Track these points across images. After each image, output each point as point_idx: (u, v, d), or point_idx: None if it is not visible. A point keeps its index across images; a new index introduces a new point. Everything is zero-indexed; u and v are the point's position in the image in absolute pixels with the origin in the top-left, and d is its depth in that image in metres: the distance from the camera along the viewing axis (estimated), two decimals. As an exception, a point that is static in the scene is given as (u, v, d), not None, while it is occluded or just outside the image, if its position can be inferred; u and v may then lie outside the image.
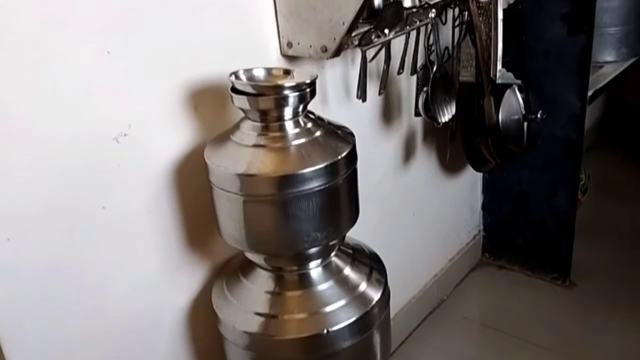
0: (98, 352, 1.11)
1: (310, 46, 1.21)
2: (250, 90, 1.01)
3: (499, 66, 1.48)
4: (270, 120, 1.03)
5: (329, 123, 1.11)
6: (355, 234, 1.24)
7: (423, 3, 1.37)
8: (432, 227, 2.03)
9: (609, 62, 2.25)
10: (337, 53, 1.19)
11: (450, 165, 1.98)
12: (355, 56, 1.43)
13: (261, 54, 1.24)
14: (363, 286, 1.17)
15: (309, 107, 1.08)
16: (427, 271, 2.06)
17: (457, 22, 1.58)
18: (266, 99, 1.01)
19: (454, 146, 1.78)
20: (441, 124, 1.58)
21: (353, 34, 1.21)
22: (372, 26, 1.27)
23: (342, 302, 1.13)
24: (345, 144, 1.08)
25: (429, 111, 1.55)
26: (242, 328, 1.11)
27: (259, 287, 1.16)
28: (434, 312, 2.09)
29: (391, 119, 1.67)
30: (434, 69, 1.54)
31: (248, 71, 1.07)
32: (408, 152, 1.78)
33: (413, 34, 1.44)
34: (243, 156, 1.02)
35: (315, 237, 1.05)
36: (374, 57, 1.39)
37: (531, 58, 1.81)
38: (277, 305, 1.13)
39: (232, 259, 1.27)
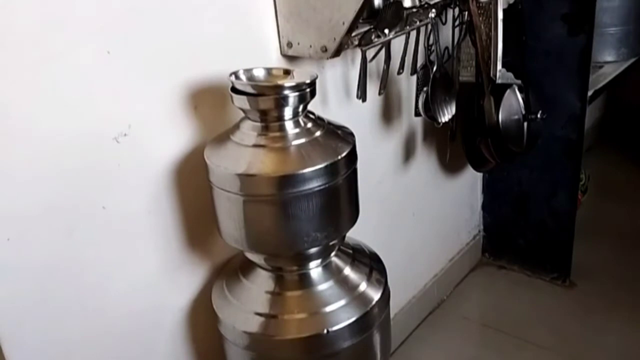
0: (98, 352, 1.11)
1: (310, 46, 1.21)
2: (250, 90, 1.01)
3: (499, 66, 1.48)
4: (270, 120, 1.03)
5: (329, 123, 1.11)
6: (355, 234, 1.24)
7: (423, 3, 1.37)
8: (432, 227, 2.02)
9: (609, 62, 2.25)
10: (337, 53, 1.19)
11: (450, 165, 1.98)
12: (355, 56, 1.43)
13: (261, 54, 1.24)
14: (363, 286, 1.17)
15: (309, 107, 1.08)
16: (427, 271, 2.06)
17: (457, 22, 1.58)
18: (266, 99, 1.01)
19: (454, 146, 1.78)
20: (441, 124, 1.58)
21: (353, 34, 1.21)
22: (372, 26, 1.27)
23: (342, 302, 1.13)
24: (345, 144, 1.08)
25: (429, 111, 1.55)
26: (242, 328, 1.11)
27: (259, 287, 1.16)
28: (434, 312, 2.08)
29: (391, 119, 1.67)
30: (434, 69, 1.54)
31: (248, 71, 1.07)
32: (408, 152, 1.78)
33: (413, 34, 1.44)
34: (243, 156, 1.02)
35: (315, 237, 1.05)
36: (374, 57, 1.39)
37: (531, 58, 1.81)
38: (277, 305, 1.13)
39: (232, 259, 1.27)
